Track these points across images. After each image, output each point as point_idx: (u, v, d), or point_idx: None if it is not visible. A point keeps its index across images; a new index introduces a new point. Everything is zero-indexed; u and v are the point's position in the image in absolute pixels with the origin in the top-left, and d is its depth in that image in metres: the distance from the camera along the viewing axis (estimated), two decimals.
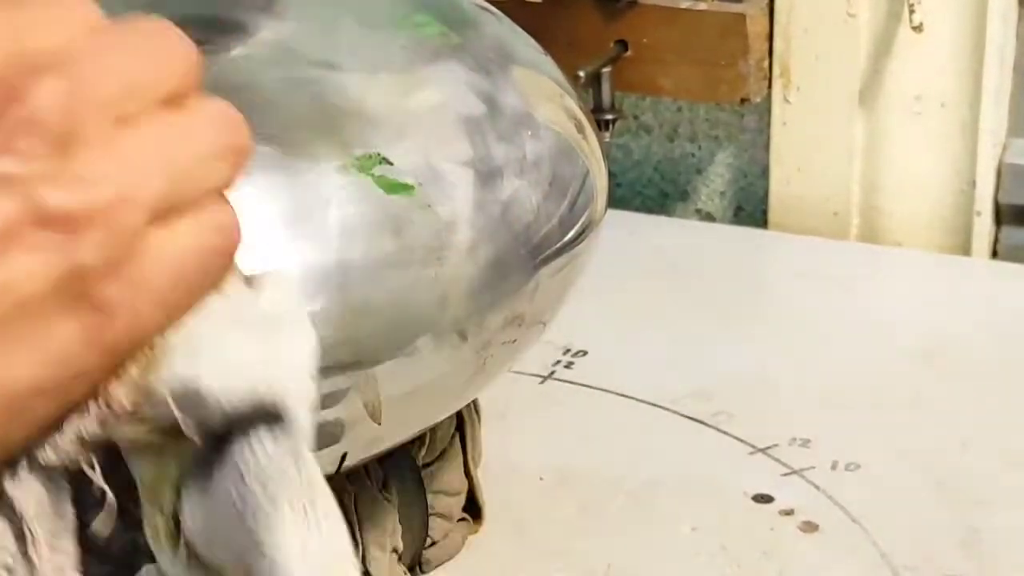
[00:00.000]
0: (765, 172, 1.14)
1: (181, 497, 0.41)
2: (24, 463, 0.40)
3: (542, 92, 0.69)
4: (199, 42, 0.41)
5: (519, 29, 0.72)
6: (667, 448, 0.85)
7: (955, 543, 0.77)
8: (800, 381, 0.91)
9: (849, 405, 0.88)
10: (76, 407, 0.40)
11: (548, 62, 0.72)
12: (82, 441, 0.40)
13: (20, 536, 0.40)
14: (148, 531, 0.41)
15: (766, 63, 1.08)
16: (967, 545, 0.77)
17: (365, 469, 0.71)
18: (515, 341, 0.68)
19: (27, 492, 0.40)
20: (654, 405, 0.89)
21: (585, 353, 0.94)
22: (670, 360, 0.93)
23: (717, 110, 1.16)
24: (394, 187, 0.62)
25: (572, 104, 0.71)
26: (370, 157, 0.63)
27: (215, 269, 0.41)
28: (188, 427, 0.40)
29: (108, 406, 0.40)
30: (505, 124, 0.66)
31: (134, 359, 0.40)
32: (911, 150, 1.09)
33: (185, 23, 0.44)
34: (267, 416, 0.40)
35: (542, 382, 0.91)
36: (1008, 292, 1.02)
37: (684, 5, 1.07)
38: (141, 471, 0.41)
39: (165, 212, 0.39)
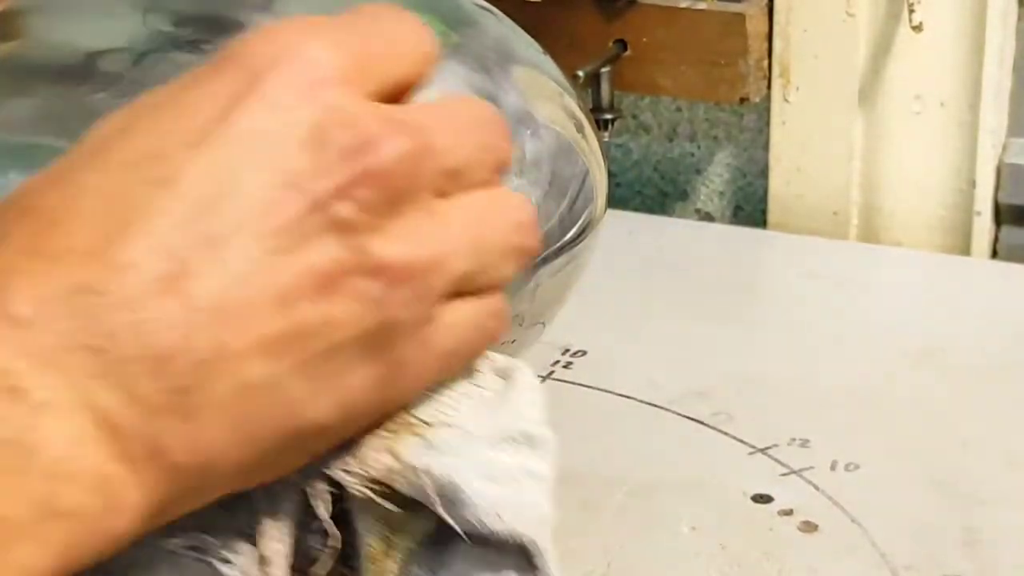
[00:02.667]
0: (764, 172, 1.14)
1: (405, 574, 0.41)
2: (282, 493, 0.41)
3: (542, 91, 0.69)
4: (199, 42, 0.41)
5: (519, 29, 0.72)
6: (666, 448, 0.85)
7: (955, 543, 0.77)
8: (799, 381, 0.91)
9: (848, 405, 0.88)
10: (332, 449, 0.41)
11: (548, 62, 0.72)
12: (327, 479, 0.40)
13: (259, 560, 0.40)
14: None
15: (765, 63, 1.08)
16: (967, 545, 0.77)
17: None
18: (514, 341, 0.68)
19: (274, 514, 0.41)
20: (653, 405, 0.89)
21: (584, 353, 0.94)
22: (669, 360, 0.93)
23: (716, 110, 1.16)
24: None
25: (572, 104, 0.71)
26: None
27: (477, 352, 0.43)
28: (441, 517, 0.40)
29: (361, 461, 0.40)
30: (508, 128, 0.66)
31: (392, 421, 0.41)
32: (911, 150, 1.09)
33: (185, 23, 0.44)
34: (518, 557, 0.40)
35: (541, 382, 0.91)
36: (1008, 292, 1.02)
37: (683, 5, 1.07)
38: (368, 540, 0.41)
39: (462, 288, 0.41)
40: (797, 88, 1.09)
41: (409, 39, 0.42)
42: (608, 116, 1.10)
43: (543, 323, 0.70)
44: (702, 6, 1.07)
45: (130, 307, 0.37)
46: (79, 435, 0.36)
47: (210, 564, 0.40)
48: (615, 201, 1.06)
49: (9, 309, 0.36)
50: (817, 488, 0.81)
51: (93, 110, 0.52)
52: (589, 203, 0.69)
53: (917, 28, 1.04)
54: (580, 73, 1.05)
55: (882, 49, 1.07)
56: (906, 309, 0.99)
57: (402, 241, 0.39)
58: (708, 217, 1.18)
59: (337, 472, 0.41)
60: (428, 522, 0.40)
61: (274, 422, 0.38)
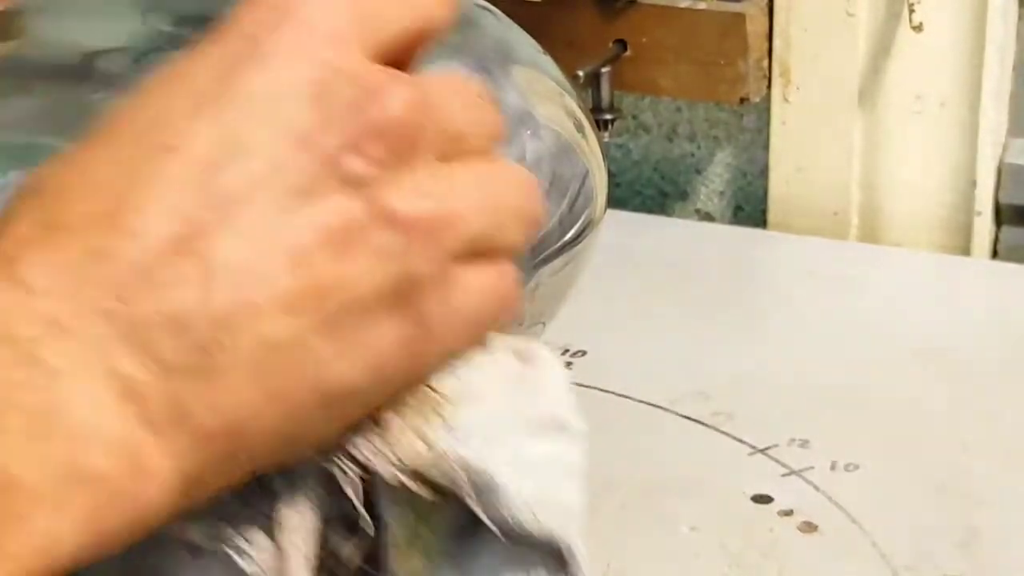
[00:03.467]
0: (764, 172, 1.14)
1: (430, 569, 0.40)
2: (301, 472, 0.40)
3: (542, 91, 0.69)
4: (199, 42, 0.41)
5: (519, 29, 0.72)
6: (666, 448, 0.85)
7: (954, 543, 0.77)
8: (799, 381, 0.91)
9: (848, 405, 0.88)
10: (357, 428, 0.40)
11: (548, 61, 0.72)
12: (357, 463, 0.40)
13: (274, 542, 0.40)
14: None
15: (765, 63, 1.08)
16: (966, 545, 0.77)
17: None
18: None
19: (294, 504, 0.40)
20: (653, 405, 0.89)
21: (584, 353, 0.94)
22: (669, 360, 0.93)
23: (716, 110, 1.16)
24: None
25: (572, 103, 0.71)
26: None
27: (497, 323, 0.42)
28: (474, 509, 0.39)
29: (391, 445, 0.40)
30: (505, 123, 0.66)
31: (413, 396, 0.40)
32: (911, 150, 1.09)
33: (185, 23, 0.45)
34: (550, 555, 0.40)
35: None
36: (1008, 292, 1.02)
37: (683, 5, 1.07)
38: (395, 529, 0.41)
39: (476, 251, 0.41)
40: (797, 88, 1.09)
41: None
42: (608, 116, 1.10)
43: (543, 323, 0.70)
44: (702, 6, 1.07)
45: (145, 270, 0.37)
46: (100, 400, 0.36)
47: (227, 555, 0.40)
48: (615, 201, 1.06)
49: (24, 278, 0.36)
50: (817, 488, 0.81)
51: (93, 110, 0.52)
52: (589, 203, 0.69)
53: (917, 28, 1.04)
54: (580, 73, 1.05)
55: (882, 49, 1.07)
56: (906, 309, 0.99)
57: (416, 195, 0.39)
58: (708, 217, 1.18)
59: (367, 455, 0.40)
60: (456, 512, 0.40)
61: (301, 382, 0.38)
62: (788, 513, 0.79)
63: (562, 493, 0.40)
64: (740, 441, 0.85)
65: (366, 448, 0.40)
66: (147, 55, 0.61)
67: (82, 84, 0.59)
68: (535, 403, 0.41)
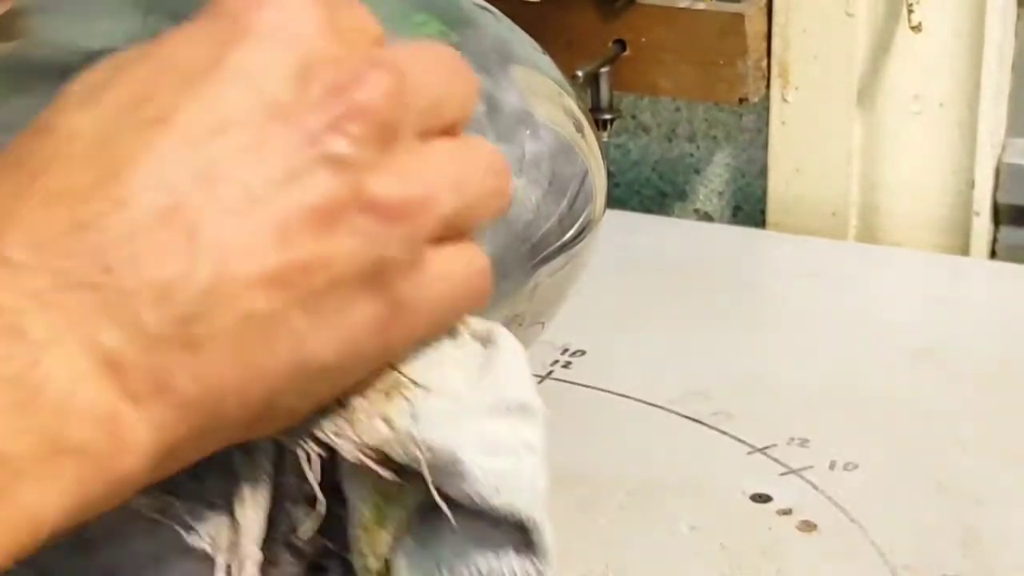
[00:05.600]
0: (763, 172, 1.14)
1: (396, 549, 0.40)
2: (265, 448, 0.40)
3: (541, 91, 0.69)
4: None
5: (518, 28, 0.72)
6: (665, 448, 0.85)
7: (954, 543, 0.77)
8: (798, 381, 0.91)
9: (847, 405, 0.88)
10: (323, 409, 0.40)
11: (547, 61, 0.72)
12: (319, 443, 0.40)
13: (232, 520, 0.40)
14: (357, 561, 0.41)
15: (764, 63, 1.08)
16: (966, 545, 0.77)
17: None
18: None
19: (252, 481, 0.40)
20: (652, 405, 0.89)
21: (583, 353, 0.94)
22: (668, 360, 0.93)
23: (715, 110, 1.16)
24: None
25: (571, 103, 0.71)
26: None
27: (465, 308, 0.43)
28: (434, 492, 0.39)
29: (355, 426, 0.40)
30: (504, 123, 0.66)
31: (380, 379, 0.41)
32: (910, 150, 1.09)
33: (184, 23, 0.44)
34: (516, 533, 0.40)
35: (540, 382, 0.91)
36: (1007, 292, 1.02)
37: (682, 5, 1.07)
38: (361, 509, 0.41)
39: (447, 232, 0.41)
40: (796, 88, 1.09)
41: (366, 14, 0.43)
42: (607, 116, 1.10)
43: (543, 323, 0.70)
44: (701, 6, 1.07)
45: (128, 241, 0.37)
46: (82, 372, 0.36)
47: (175, 530, 0.40)
48: (614, 201, 1.06)
49: (5, 252, 0.37)
50: (816, 488, 0.81)
51: None
52: (588, 203, 0.69)
53: (916, 28, 1.04)
54: (579, 73, 1.05)
55: (881, 49, 1.07)
56: (905, 309, 0.99)
57: (395, 178, 0.39)
58: (707, 217, 1.18)
59: (329, 435, 0.40)
60: (422, 493, 0.40)
61: (279, 356, 0.38)
62: (787, 512, 0.79)
63: (525, 472, 0.40)
64: (739, 440, 0.85)
65: (329, 428, 0.40)
66: None
67: None
68: (498, 385, 0.41)
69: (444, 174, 0.41)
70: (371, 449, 0.40)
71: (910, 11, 1.03)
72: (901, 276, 1.05)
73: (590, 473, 0.83)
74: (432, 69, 0.42)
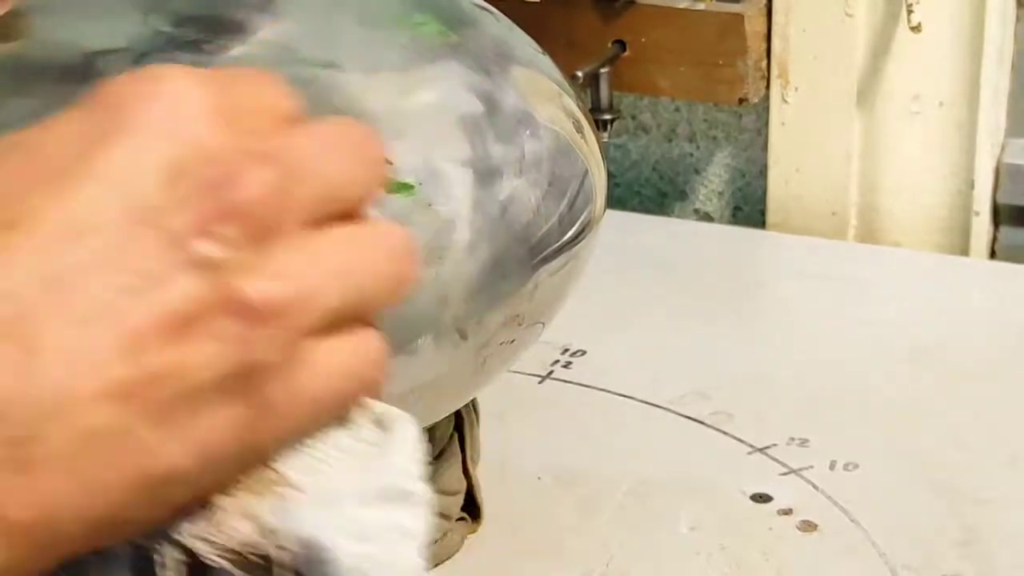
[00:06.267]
0: (763, 172, 1.14)
1: None
2: (121, 551, 0.39)
3: (541, 92, 0.69)
4: (199, 42, 0.41)
5: (518, 29, 0.72)
6: (665, 448, 0.85)
7: (953, 543, 0.77)
8: (798, 381, 0.91)
9: (847, 405, 0.88)
10: (184, 511, 0.39)
11: (547, 62, 0.72)
12: (179, 547, 0.39)
13: None
14: None
15: (764, 63, 1.09)
16: (965, 545, 0.77)
17: None
18: (514, 341, 0.68)
19: None
20: (652, 405, 0.89)
21: (584, 353, 0.94)
22: (668, 360, 0.93)
23: (715, 110, 1.16)
24: (395, 186, 0.62)
25: (571, 104, 0.71)
26: None
27: (351, 400, 0.41)
28: None
29: (217, 527, 0.39)
30: (504, 124, 0.66)
31: (250, 477, 0.39)
32: (909, 150, 1.09)
33: (185, 23, 0.44)
34: None
35: (541, 382, 0.91)
36: (1006, 292, 1.02)
37: (682, 5, 1.07)
38: None
39: (331, 326, 0.39)
40: (796, 88, 1.09)
41: (274, 92, 0.40)
42: (607, 116, 1.10)
43: (543, 323, 0.70)
44: (701, 6, 1.07)
45: None
46: None
47: None
48: (614, 201, 1.06)
49: None
50: (816, 488, 0.81)
51: None
52: (588, 203, 0.70)
53: (916, 28, 1.04)
54: (579, 73, 1.05)
55: (881, 49, 1.07)
56: (905, 309, 0.99)
57: (268, 277, 0.37)
58: (707, 217, 1.18)
59: (188, 539, 0.39)
60: None
61: (122, 471, 0.36)
62: (787, 512, 0.79)
63: (398, 557, 0.40)
64: (739, 440, 0.85)
65: (187, 531, 0.39)
66: (147, 55, 0.61)
67: (82, 84, 0.59)
68: (380, 472, 0.40)
69: (331, 265, 0.39)
70: (233, 551, 0.39)
71: (910, 11, 1.04)
72: (901, 276, 1.05)
73: (590, 473, 0.83)
74: (333, 151, 0.39)
